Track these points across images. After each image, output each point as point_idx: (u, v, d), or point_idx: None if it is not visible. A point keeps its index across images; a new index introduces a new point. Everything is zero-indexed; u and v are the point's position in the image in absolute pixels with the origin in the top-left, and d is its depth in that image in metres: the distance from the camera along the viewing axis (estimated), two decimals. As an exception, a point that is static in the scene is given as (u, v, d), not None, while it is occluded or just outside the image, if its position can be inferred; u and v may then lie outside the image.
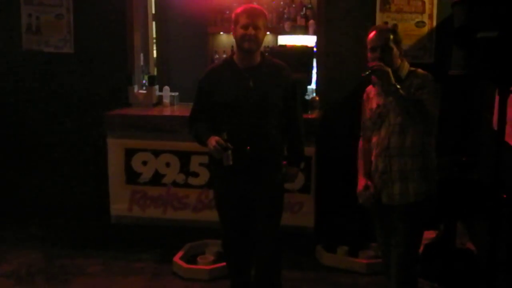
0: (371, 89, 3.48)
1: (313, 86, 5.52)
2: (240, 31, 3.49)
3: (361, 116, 3.58)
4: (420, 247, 3.55)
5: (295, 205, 4.82)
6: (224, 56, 6.44)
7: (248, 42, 3.48)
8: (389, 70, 3.13)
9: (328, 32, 5.26)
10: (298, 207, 4.85)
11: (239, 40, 3.51)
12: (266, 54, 3.81)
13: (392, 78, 3.12)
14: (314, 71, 5.46)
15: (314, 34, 5.72)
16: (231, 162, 3.44)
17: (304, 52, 5.43)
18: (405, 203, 3.29)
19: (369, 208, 3.46)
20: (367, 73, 3.18)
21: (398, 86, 3.12)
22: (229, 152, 3.42)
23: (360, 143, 3.58)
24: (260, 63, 3.61)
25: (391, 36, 3.28)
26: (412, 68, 3.36)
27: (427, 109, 3.14)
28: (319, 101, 5.18)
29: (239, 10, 3.55)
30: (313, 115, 4.98)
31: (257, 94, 3.53)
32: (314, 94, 5.40)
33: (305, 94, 5.24)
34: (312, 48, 5.54)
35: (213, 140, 3.45)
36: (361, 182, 3.48)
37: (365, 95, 3.53)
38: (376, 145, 3.38)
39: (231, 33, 3.65)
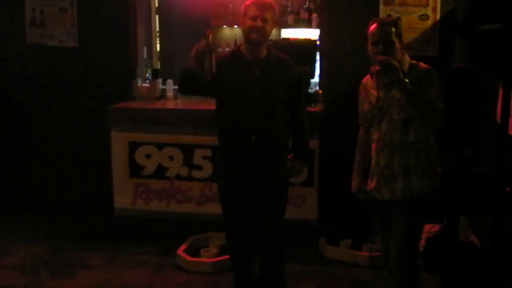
0: (368, 81, 3.40)
1: (316, 79, 5.51)
2: (248, 23, 3.49)
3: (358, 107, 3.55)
4: (421, 240, 3.53)
5: (298, 198, 4.82)
6: (227, 49, 6.43)
7: (255, 34, 3.48)
8: (398, 64, 3.06)
9: (331, 25, 5.24)
10: (301, 200, 4.85)
11: (247, 31, 3.51)
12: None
13: (401, 73, 3.05)
14: (317, 64, 5.44)
15: (317, 27, 5.70)
16: (214, 69, 3.35)
17: (307, 46, 5.42)
18: (408, 198, 3.25)
19: (367, 202, 3.48)
20: (378, 68, 3.06)
21: (407, 81, 3.05)
22: (211, 58, 3.31)
23: (360, 131, 3.56)
24: (267, 56, 3.61)
25: (393, 29, 3.22)
26: (413, 62, 3.29)
27: (435, 104, 3.08)
28: (322, 95, 5.18)
29: (248, 1, 3.55)
30: (316, 108, 4.98)
31: (264, 85, 3.53)
32: (317, 88, 5.38)
33: (308, 88, 5.22)
34: (315, 41, 5.53)
35: (194, 49, 3.34)
36: (354, 182, 3.56)
37: (361, 87, 3.46)
38: (377, 141, 3.33)
39: (235, 26, 3.64)
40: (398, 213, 3.31)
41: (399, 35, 3.24)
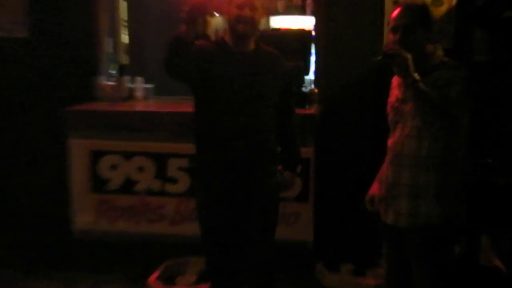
0: (396, 76, 3.23)
1: (311, 76, 5.50)
2: (235, 12, 3.39)
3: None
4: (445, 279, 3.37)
5: (291, 215, 4.74)
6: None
7: (243, 25, 3.40)
8: (409, 56, 2.89)
9: (328, 12, 5.21)
10: (294, 218, 4.77)
11: (233, 22, 3.42)
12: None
13: (412, 68, 2.88)
14: (313, 58, 5.44)
15: (312, 14, 5.70)
16: (207, 32, 3.32)
17: (300, 37, 5.35)
18: (413, 226, 3.10)
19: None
20: (379, 58, 2.93)
21: (418, 78, 2.88)
22: (205, 19, 3.27)
23: None
24: (255, 50, 3.57)
25: (419, 15, 3.08)
26: (446, 59, 3.10)
27: (451, 113, 2.93)
28: (318, 94, 5.14)
29: None
30: (311, 110, 4.87)
31: (252, 82, 3.42)
32: (313, 86, 5.35)
33: (301, 86, 5.21)
34: (310, 32, 5.49)
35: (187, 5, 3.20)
36: (371, 190, 3.42)
37: (392, 82, 3.32)
38: (389, 149, 3.20)
39: (217, 14, 3.59)
40: (408, 247, 3.18)
41: (426, 23, 3.10)
